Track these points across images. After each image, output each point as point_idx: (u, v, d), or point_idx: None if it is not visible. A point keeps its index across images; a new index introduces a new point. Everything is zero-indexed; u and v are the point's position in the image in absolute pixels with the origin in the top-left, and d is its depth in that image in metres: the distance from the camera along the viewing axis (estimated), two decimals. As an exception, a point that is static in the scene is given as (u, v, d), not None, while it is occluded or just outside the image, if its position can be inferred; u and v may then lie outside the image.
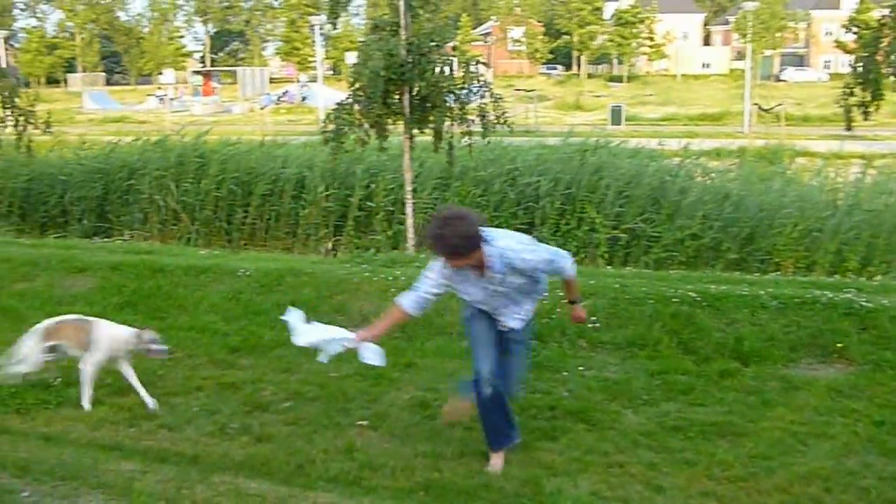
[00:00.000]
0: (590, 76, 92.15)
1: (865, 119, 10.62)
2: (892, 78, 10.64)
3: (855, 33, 11.00)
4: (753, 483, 5.43)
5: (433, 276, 5.50)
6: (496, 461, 5.69)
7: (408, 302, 5.65)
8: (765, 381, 7.22)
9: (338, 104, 11.67)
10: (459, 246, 5.14)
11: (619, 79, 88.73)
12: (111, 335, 6.71)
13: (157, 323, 8.73)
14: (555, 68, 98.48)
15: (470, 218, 5.21)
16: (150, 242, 13.96)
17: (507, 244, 5.29)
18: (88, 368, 6.66)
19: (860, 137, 31.08)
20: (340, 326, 6.61)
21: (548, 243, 13.86)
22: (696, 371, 7.44)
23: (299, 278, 9.53)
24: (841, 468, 5.62)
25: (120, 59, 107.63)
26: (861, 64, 10.70)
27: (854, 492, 5.33)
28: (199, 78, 75.63)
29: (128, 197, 15.84)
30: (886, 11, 11.13)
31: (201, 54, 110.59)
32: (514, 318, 5.65)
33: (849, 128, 10.74)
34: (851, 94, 10.47)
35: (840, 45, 56.92)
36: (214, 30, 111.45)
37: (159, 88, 76.51)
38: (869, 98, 10.53)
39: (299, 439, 6.08)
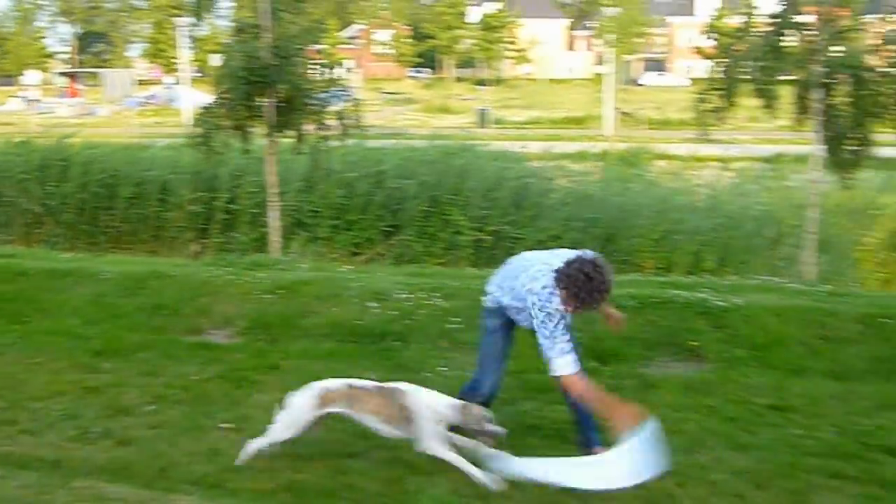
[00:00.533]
0: (457, 80, 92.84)
1: (718, 125, 11.06)
2: (745, 85, 11.08)
3: (715, 39, 11.42)
4: None
5: (563, 324, 5.35)
6: None
7: (575, 363, 5.36)
8: (622, 379, 7.30)
9: (204, 107, 11.60)
10: None
11: (485, 82, 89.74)
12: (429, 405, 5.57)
13: (18, 327, 8.63)
14: (422, 71, 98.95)
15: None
16: (13, 246, 13.60)
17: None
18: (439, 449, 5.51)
19: (718, 141, 32.12)
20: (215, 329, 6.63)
21: (413, 246, 14.29)
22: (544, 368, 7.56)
23: (163, 281, 9.45)
24: (694, 463, 5.75)
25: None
26: (716, 70, 11.12)
27: (705, 486, 5.46)
28: (65, 79, 73.11)
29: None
30: (745, 18, 11.56)
31: (67, 55, 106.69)
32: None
33: (703, 135, 11.20)
34: (706, 100, 10.87)
35: (699, 51, 58.86)
36: (80, 31, 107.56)
37: (22, 90, 73.70)
38: (723, 104, 10.96)
39: (162, 442, 6.02)
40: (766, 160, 28.48)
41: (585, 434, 5.85)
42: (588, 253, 5.33)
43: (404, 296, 8.91)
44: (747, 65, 11.64)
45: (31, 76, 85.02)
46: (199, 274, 9.70)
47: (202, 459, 5.79)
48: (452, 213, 14.79)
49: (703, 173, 21.69)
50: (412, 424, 5.50)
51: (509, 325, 5.83)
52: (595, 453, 5.56)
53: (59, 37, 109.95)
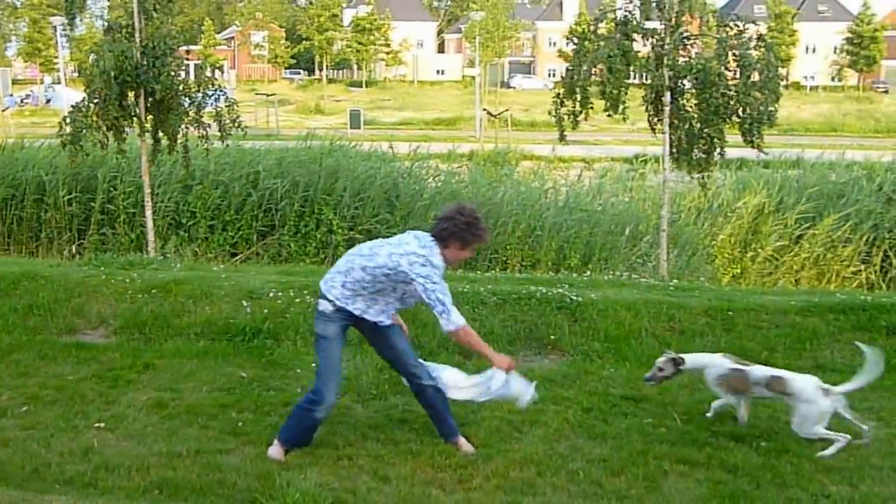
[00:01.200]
0: (331, 81, 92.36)
1: (575, 128, 11.37)
2: (595, 88, 11.48)
3: (575, 44, 11.72)
4: (472, 469, 5.69)
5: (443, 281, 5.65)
6: (278, 449, 5.89)
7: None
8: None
9: (73, 106, 11.44)
10: None
11: (359, 84, 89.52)
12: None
13: None
14: (297, 73, 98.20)
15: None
16: None
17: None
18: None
19: (582, 142, 32.77)
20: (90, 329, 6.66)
21: (289, 245, 14.34)
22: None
23: (36, 282, 9.25)
24: (553, 453, 5.98)
25: None
26: (569, 74, 11.45)
27: (564, 474, 5.67)
28: None
29: None
30: (595, 24, 11.92)
31: None
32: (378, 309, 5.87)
33: (562, 137, 11.50)
34: (562, 103, 11.17)
35: (562, 55, 60.08)
36: None
37: None
38: (578, 107, 11.29)
39: (35, 443, 5.98)
40: (627, 160, 29.12)
41: (445, 424, 6.12)
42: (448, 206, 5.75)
43: (276, 294, 8.96)
44: (597, 69, 11.90)
45: None
46: (74, 274, 9.53)
47: (76, 459, 5.78)
48: (325, 212, 14.91)
49: (566, 173, 22.15)
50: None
51: (344, 329, 5.92)
52: (456, 443, 5.99)
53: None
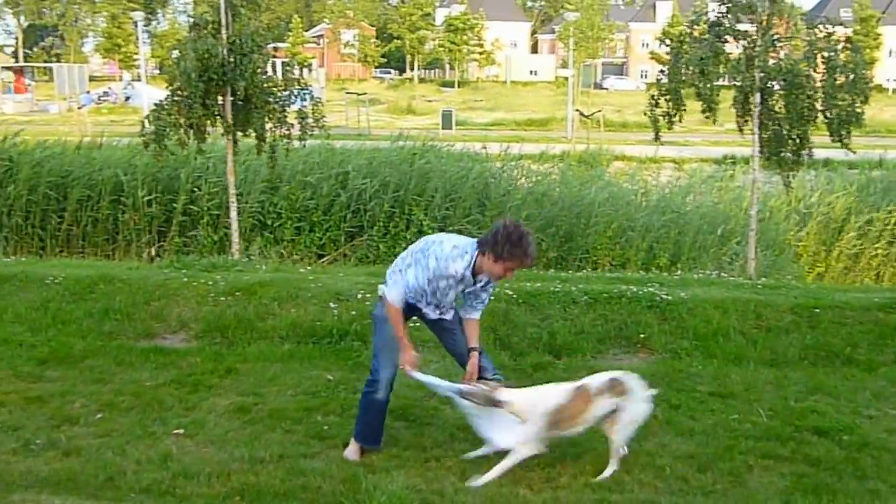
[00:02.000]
0: (422, 81, 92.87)
1: (669, 129, 11.42)
2: (688, 89, 11.50)
3: (668, 45, 11.50)
4: (560, 468, 5.68)
5: (465, 284, 5.66)
6: (353, 449, 5.91)
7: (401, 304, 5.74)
8: (575, 371, 7.41)
9: (156, 105, 11.33)
10: None
11: (450, 84, 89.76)
12: None
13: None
14: (388, 72, 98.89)
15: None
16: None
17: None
18: None
19: (672, 143, 32.86)
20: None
21: (377, 246, 14.17)
22: (513, 365, 7.70)
23: (113, 285, 9.17)
24: (640, 450, 5.96)
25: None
26: (665, 76, 11.44)
27: (651, 471, 5.69)
28: (11, 74, 70.61)
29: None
30: (689, 25, 11.94)
31: (13, 49, 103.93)
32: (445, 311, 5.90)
33: (657, 138, 11.50)
34: (657, 104, 11.13)
35: (654, 57, 59.46)
36: (27, 23, 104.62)
37: None
38: (673, 109, 11.29)
39: (110, 451, 5.84)
40: (717, 161, 29.43)
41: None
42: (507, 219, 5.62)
43: (364, 296, 8.79)
44: (689, 70, 11.90)
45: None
46: (153, 277, 9.44)
47: (153, 467, 5.65)
48: (416, 213, 14.73)
49: (657, 174, 22.02)
50: None
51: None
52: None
53: (4, 29, 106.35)
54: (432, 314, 5.89)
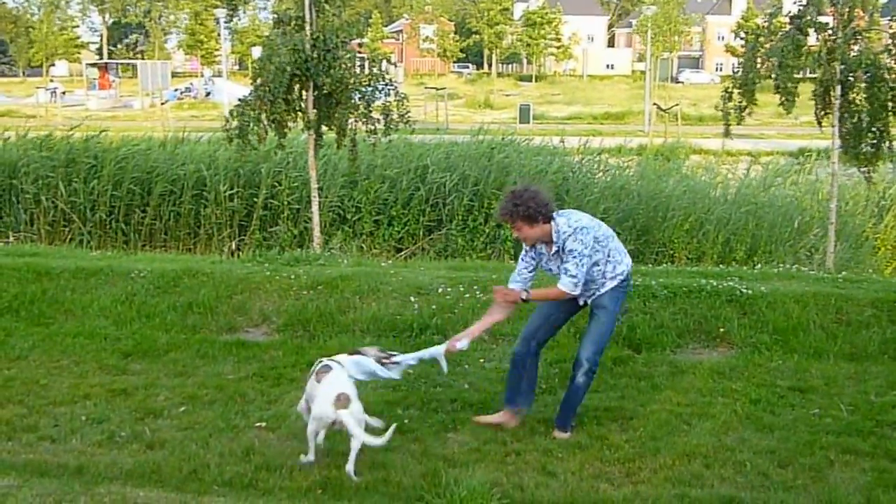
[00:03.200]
0: (500, 75, 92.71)
1: (739, 123, 11.33)
2: (765, 81, 11.44)
3: (742, 38, 11.31)
4: (640, 463, 5.69)
5: (525, 258, 6.18)
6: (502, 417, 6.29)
7: (513, 283, 6.17)
8: (654, 366, 7.59)
9: (240, 100, 11.41)
10: (512, 214, 5.92)
11: (528, 78, 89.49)
12: None
13: (40, 329, 8.44)
14: (466, 67, 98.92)
15: (537, 195, 5.96)
16: (36, 244, 13.37)
17: (567, 228, 5.93)
18: None
19: (748, 136, 32.43)
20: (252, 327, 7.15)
21: (456, 240, 14.14)
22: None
23: (197, 279, 9.27)
24: (720, 445, 5.97)
25: (7, 49, 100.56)
26: (740, 69, 11.40)
27: (731, 466, 5.67)
28: (95, 71, 71.42)
29: (11, 197, 15.05)
30: (768, 18, 11.82)
31: (98, 46, 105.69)
32: (588, 294, 6.14)
33: (727, 133, 11.40)
34: (730, 98, 11.03)
35: (730, 50, 58.53)
36: (112, 20, 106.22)
37: (51, 81, 71.92)
38: (744, 102, 11.24)
39: (194, 444, 5.89)
40: (793, 154, 28.66)
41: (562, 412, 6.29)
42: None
43: (445, 290, 8.80)
44: (768, 63, 11.90)
45: (60, 67, 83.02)
46: (236, 271, 9.51)
47: (235, 460, 5.69)
48: (495, 207, 14.59)
49: (734, 167, 21.72)
50: None
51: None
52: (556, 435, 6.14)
53: (89, 26, 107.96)
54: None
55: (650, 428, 6.21)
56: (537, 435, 6.08)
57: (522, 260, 6.20)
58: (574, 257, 5.87)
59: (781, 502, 5.17)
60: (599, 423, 6.28)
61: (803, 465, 5.66)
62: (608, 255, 6.06)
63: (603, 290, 6.13)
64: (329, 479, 5.40)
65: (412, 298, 8.68)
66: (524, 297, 6.02)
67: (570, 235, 5.91)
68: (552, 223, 5.93)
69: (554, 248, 5.97)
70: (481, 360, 7.62)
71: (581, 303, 6.21)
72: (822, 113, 12.09)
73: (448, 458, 5.70)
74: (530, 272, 6.16)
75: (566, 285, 5.90)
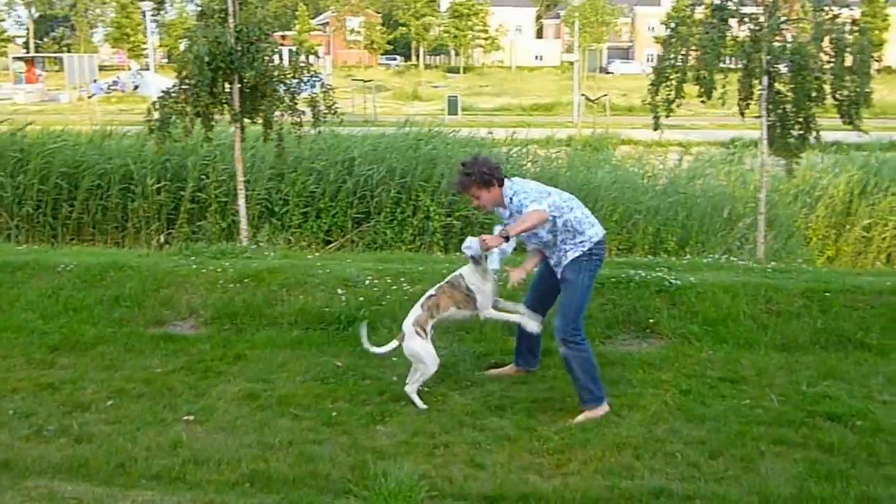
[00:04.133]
0: (428, 67, 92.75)
1: (668, 115, 11.41)
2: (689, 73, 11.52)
3: (672, 29, 11.41)
4: (570, 454, 5.72)
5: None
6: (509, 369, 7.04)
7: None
8: None
9: (163, 92, 11.33)
10: (470, 179, 6.22)
11: (456, 70, 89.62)
12: None
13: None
14: (394, 59, 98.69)
15: (487, 160, 6.37)
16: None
17: (511, 185, 6.30)
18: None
19: (679, 126, 32.84)
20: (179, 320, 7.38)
21: (384, 232, 14.18)
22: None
23: (124, 272, 9.16)
24: (650, 436, 6.02)
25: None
26: (662, 61, 11.45)
27: (662, 457, 5.71)
28: (22, 64, 70.03)
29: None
30: (690, 8, 11.91)
31: (24, 39, 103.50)
32: (552, 258, 6.47)
33: (657, 126, 11.44)
34: (657, 91, 11.07)
35: (659, 41, 59.27)
36: (38, 14, 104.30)
37: None
38: (673, 94, 11.26)
39: (121, 438, 5.88)
40: (724, 144, 29.06)
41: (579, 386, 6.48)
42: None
43: (372, 282, 8.81)
44: (689, 54, 11.83)
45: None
46: (163, 264, 9.43)
47: (163, 453, 5.69)
48: (423, 199, 14.69)
49: (664, 157, 21.98)
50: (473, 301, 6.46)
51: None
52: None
53: (16, 20, 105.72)
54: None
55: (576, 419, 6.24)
56: (466, 427, 6.10)
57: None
58: (531, 199, 6.20)
59: (712, 493, 5.21)
60: (529, 414, 6.30)
61: (734, 455, 5.72)
62: (565, 224, 6.25)
63: (565, 261, 6.29)
64: (257, 471, 5.41)
65: (339, 291, 8.67)
66: (505, 234, 6.10)
67: (517, 192, 6.28)
68: (504, 187, 6.30)
69: (508, 212, 6.28)
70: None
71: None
72: (745, 104, 12.05)
73: (377, 451, 5.72)
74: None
75: (531, 207, 6.14)
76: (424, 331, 6.44)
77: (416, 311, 6.55)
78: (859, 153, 21.07)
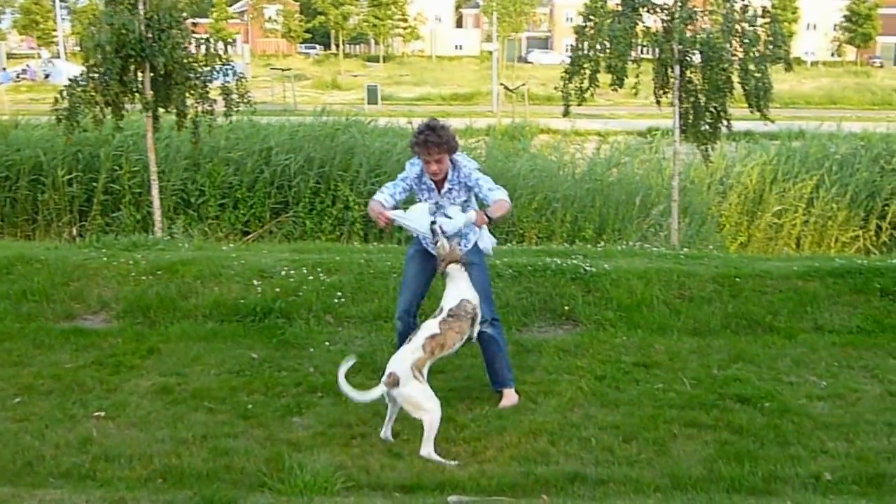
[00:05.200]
0: (347, 56, 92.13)
1: (580, 104, 11.57)
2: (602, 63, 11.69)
3: (590, 19, 11.54)
4: (486, 442, 5.75)
5: (404, 182, 6.31)
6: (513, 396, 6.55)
7: (384, 200, 6.23)
8: None
9: (71, 81, 11.07)
10: (445, 144, 6.04)
11: (376, 59, 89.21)
12: None
13: None
14: (313, 48, 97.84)
15: (447, 126, 6.22)
16: None
17: (467, 162, 6.28)
18: None
19: (597, 116, 33.18)
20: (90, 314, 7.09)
21: (304, 222, 14.07)
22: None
23: (31, 266, 8.90)
24: (566, 422, 6.08)
25: None
26: (576, 50, 11.58)
27: (577, 442, 5.78)
28: None
29: None
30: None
31: None
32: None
33: (566, 112, 11.55)
34: (570, 79, 11.19)
35: (575, 31, 59.73)
36: None
37: None
38: (585, 83, 11.41)
39: (29, 435, 5.72)
40: (641, 133, 29.45)
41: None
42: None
43: (288, 272, 8.72)
44: (602, 44, 12.04)
45: None
46: (73, 257, 9.18)
47: (73, 451, 5.56)
48: (342, 188, 14.63)
49: (582, 147, 22.17)
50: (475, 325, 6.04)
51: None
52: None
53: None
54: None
55: (496, 407, 6.28)
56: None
57: (402, 181, 6.33)
58: (485, 179, 6.22)
59: (625, 477, 5.27)
60: (447, 403, 6.14)
61: (647, 439, 5.80)
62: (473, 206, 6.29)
63: (468, 245, 6.30)
64: (170, 467, 5.32)
65: (255, 282, 8.56)
66: (489, 215, 6.04)
67: (473, 169, 6.24)
68: (460, 157, 6.30)
69: (447, 186, 6.21)
70: (326, 343, 7.60)
71: (438, 267, 6.22)
72: (662, 92, 12.31)
73: (293, 443, 5.68)
74: (396, 197, 6.29)
75: (503, 192, 6.13)
76: (421, 373, 5.71)
77: (413, 352, 5.71)
78: (771, 142, 21.48)
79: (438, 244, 5.98)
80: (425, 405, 5.61)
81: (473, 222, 6.03)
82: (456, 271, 5.97)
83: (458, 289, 5.95)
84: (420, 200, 6.32)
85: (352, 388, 5.55)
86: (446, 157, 6.13)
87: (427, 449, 5.54)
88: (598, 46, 12.03)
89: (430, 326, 5.83)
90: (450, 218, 6.03)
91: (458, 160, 6.24)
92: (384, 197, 6.24)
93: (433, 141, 6.04)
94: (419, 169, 6.25)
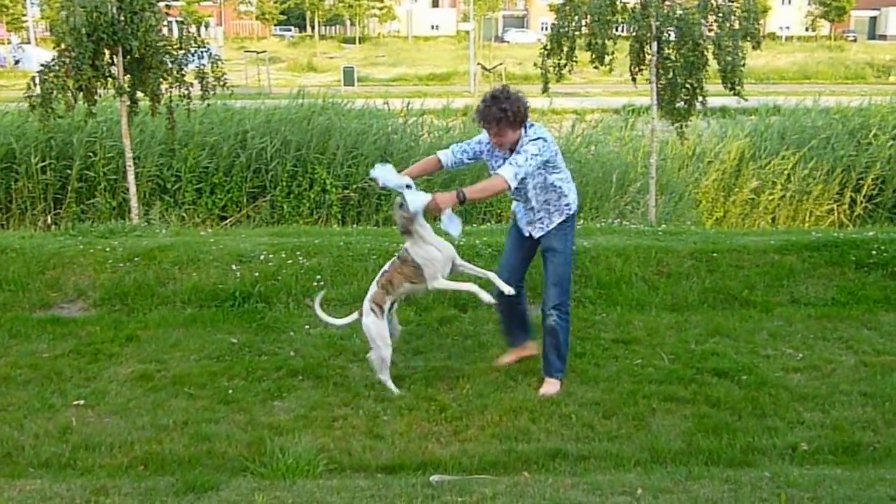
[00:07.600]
0: (323, 38, 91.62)
1: (558, 80, 11.56)
2: (580, 40, 11.69)
3: None
4: (468, 421, 5.79)
5: (475, 143, 6.18)
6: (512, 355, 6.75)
7: (443, 155, 6.26)
8: (481, 324, 7.65)
9: (43, 66, 10.94)
10: (505, 119, 5.74)
11: (352, 40, 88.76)
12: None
13: None
14: (288, 30, 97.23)
15: (522, 97, 5.85)
16: None
17: (535, 134, 5.87)
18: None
19: (573, 94, 33.11)
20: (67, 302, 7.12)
21: (281, 206, 14.01)
22: (418, 320, 7.73)
23: (6, 255, 8.81)
24: (546, 399, 6.12)
25: None
26: (556, 27, 11.55)
27: (557, 419, 5.83)
28: None
29: None
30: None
31: None
32: (534, 227, 6.27)
33: (545, 90, 11.51)
34: (549, 56, 11.18)
35: (553, 9, 59.69)
36: None
37: None
38: (564, 60, 11.39)
39: (7, 426, 5.69)
40: (617, 111, 29.50)
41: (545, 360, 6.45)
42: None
43: (267, 257, 8.71)
44: (581, 21, 12.09)
45: None
46: (48, 245, 9.11)
47: (52, 440, 5.54)
48: (319, 171, 14.56)
49: (559, 125, 22.15)
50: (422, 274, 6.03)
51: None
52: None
53: None
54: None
55: (477, 386, 6.29)
56: (365, 399, 6.09)
57: (470, 144, 6.24)
58: (526, 153, 5.80)
59: (605, 452, 5.32)
60: (428, 383, 6.32)
61: (627, 414, 5.87)
62: (554, 185, 6.06)
63: (550, 227, 6.16)
64: (151, 453, 5.31)
65: (234, 267, 8.54)
66: (461, 197, 5.68)
67: (532, 140, 5.85)
68: (532, 129, 5.92)
69: (503, 156, 6.00)
70: (306, 327, 7.58)
71: (527, 234, 6.31)
72: (637, 69, 12.34)
73: (274, 427, 5.68)
74: (458, 155, 6.23)
75: (506, 172, 5.72)
76: (381, 308, 6.08)
77: (372, 288, 6.16)
78: (747, 118, 21.53)
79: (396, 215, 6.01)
80: (375, 339, 6.09)
81: (429, 207, 5.76)
82: (412, 241, 6.05)
83: (418, 245, 6.04)
84: (491, 166, 6.09)
85: (328, 315, 6.32)
86: (509, 131, 5.82)
87: (382, 377, 6.20)
88: (580, 22, 12.06)
89: (385, 266, 6.21)
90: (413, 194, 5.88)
91: (530, 130, 5.91)
92: (445, 151, 6.27)
93: (491, 116, 5.81)
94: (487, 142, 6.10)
